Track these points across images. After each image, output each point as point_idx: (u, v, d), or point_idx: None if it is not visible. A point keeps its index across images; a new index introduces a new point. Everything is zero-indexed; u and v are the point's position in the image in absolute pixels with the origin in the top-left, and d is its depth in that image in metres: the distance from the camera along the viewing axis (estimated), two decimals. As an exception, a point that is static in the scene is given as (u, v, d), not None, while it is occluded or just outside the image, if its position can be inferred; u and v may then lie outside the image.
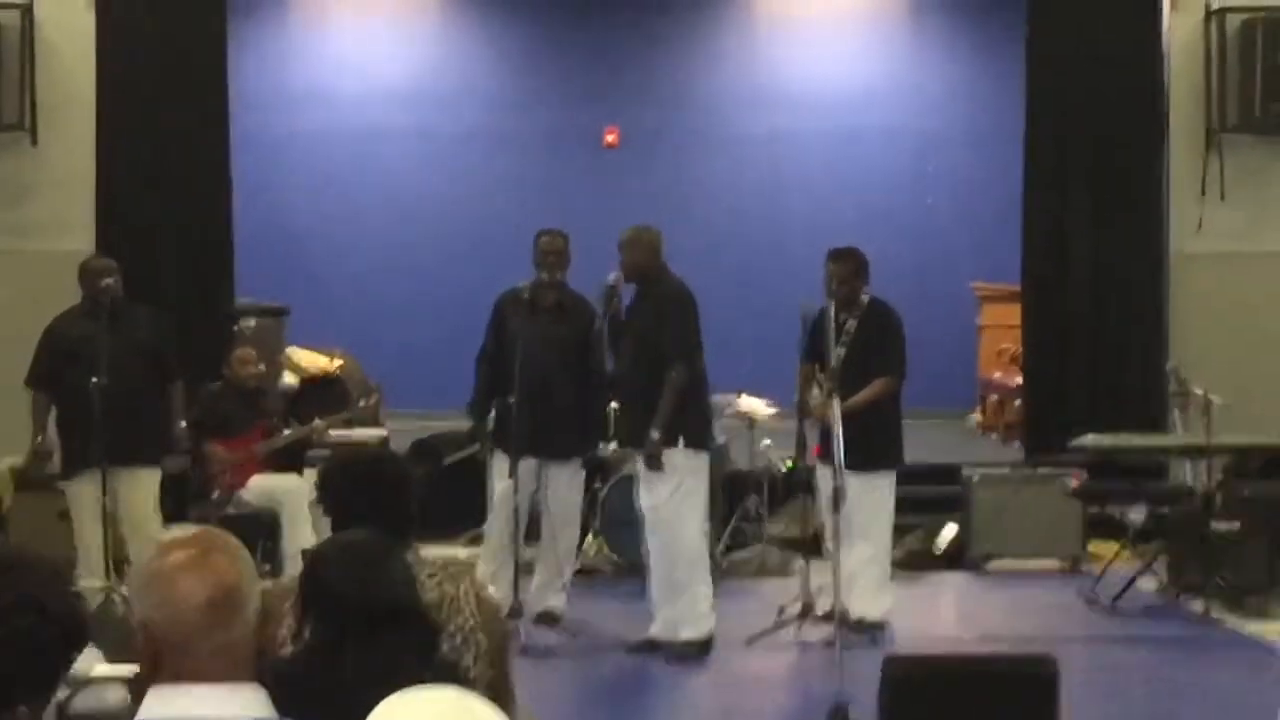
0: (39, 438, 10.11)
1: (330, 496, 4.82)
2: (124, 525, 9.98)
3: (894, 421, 10.16)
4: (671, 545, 9.61)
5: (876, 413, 9.89)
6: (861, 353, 9.91)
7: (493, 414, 10.13)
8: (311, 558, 4.15)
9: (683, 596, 9.60)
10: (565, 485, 10.04)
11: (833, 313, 9.75)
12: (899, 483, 10.34)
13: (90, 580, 9.54)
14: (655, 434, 9.48)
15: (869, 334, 10.00)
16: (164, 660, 2.79)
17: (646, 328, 9.70)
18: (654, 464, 9.50)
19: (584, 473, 10.38)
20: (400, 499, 4.73)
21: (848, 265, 10.07)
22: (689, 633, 9.57)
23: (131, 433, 9.78)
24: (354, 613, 3.85)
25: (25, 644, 2.65)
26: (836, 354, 9.81)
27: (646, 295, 9.80)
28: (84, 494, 9.90)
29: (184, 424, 10.30)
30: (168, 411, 10.15)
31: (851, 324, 10.00)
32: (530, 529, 10.08)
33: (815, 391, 9.92)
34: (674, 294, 9.76)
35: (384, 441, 12.72)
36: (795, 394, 10.19)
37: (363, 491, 4.69)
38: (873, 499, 9.93)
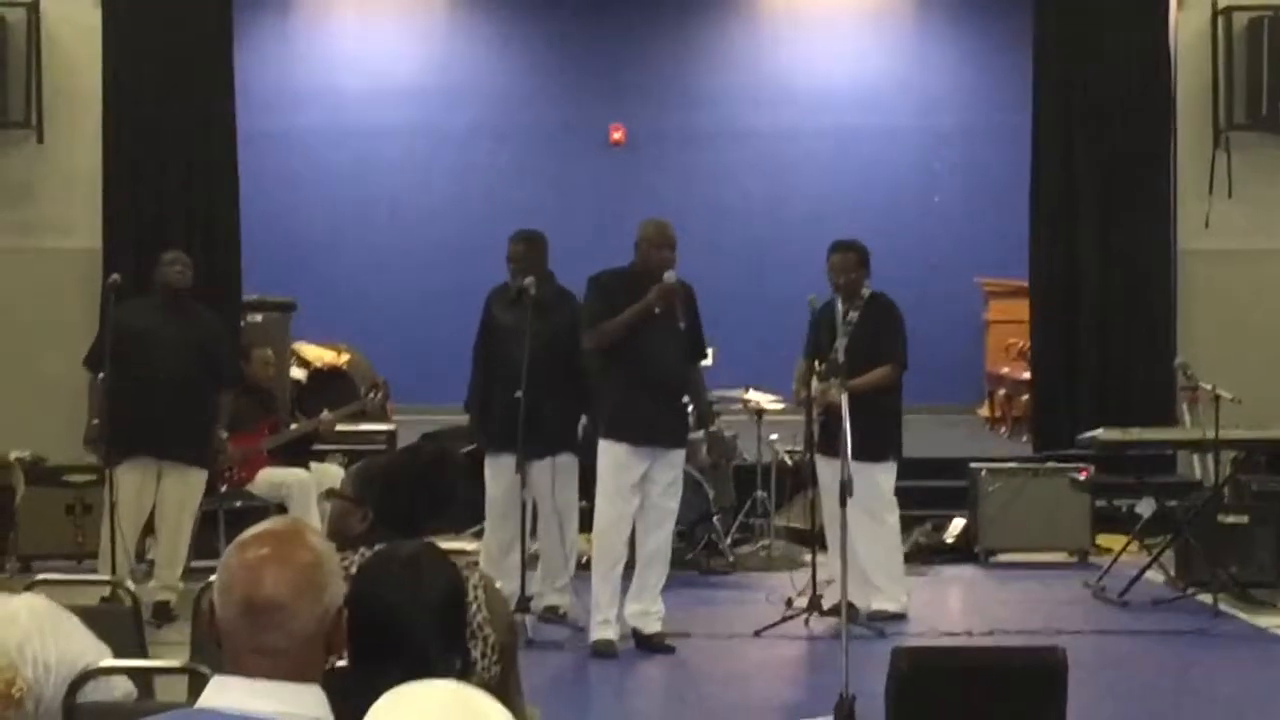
0: (94, 420, 10.01)
1: (391, 494, 4.77)
2: (157, 518, 9.96)
3: (894, 414, 10.14)
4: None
5: (877, 405, 9.84)
6: (863, 345, 9.88)
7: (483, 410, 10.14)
8: (360, 570, 4.03)
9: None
10: (559, 480, 9.89)
11: (839, 305, 9.76)
12: (907, 476, 10.36)
13: (103, 572, 9.43)
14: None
15: (870, 327, 9.99)
16: (221, 642, 2.81)
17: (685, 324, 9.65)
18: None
19: (577, 465, 10.05)
20: (455, 500, 4.70)
21: (850, 257, 10.08)
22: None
23: (186, 430, 9.81)
24: (401, 629, 3.75)
25: None
26: (838, 346, 9.83)
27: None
28: (127, 483, 9.81)
29: (225, 434, 10.31)
30: (214, 415, 10.16)
31: (854, 315, 10.00)
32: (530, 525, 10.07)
33: (814, 383, 9.93)
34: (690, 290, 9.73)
35: (392, 435, 12.74)
36: (794, 388, 10.22)
37: (428, 492, 4.64)
38: (874, 491, 9.92)
